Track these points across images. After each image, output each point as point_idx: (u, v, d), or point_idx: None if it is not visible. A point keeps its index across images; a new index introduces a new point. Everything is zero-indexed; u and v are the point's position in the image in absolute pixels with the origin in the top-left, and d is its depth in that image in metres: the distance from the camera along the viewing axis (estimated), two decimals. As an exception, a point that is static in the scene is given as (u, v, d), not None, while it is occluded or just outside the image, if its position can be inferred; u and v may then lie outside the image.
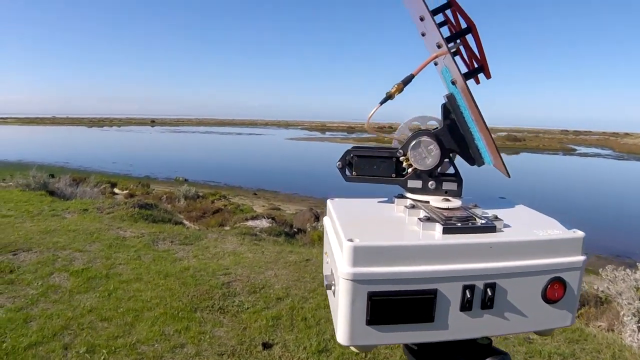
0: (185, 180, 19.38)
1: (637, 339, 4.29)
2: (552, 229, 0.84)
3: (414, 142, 0.96)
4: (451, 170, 1.02)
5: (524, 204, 1.06)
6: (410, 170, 0.99)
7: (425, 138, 0.96)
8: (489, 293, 0.78)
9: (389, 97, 0.99)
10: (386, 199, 1.06)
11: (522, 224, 0.90)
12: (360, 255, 0.76)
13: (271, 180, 22.67)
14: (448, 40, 0.96)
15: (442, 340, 0.82)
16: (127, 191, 15.26)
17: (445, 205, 0.94)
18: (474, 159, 0.97)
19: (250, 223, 10.76)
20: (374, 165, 1.01)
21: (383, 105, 0.97)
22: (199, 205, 14.93)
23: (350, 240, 0.77)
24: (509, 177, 0.95)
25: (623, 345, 3.80)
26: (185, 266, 5.28)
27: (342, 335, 0.78)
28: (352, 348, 0.81)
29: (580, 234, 0.83)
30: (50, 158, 27.76)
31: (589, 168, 36.94)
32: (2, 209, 8.08)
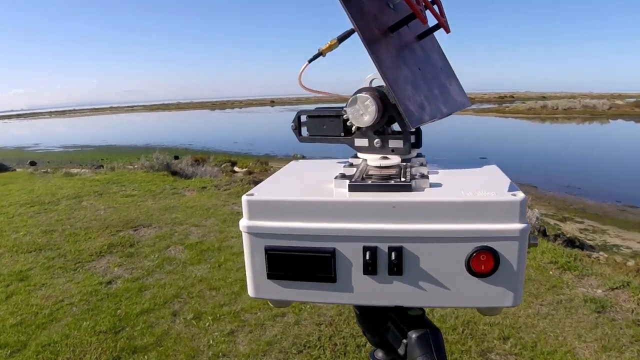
0: (303, 157, 19.57)
1: None
2: (490, 191, 0.71)
3: (350, 99, 0.90)
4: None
5: (498, 165, 0.93)
6: (354, 128, 0.93)
7: (361, 94, 0.88)
8: (394, 258, 0.70)
9: (320, 54, 0.96)
10: (346, 160, 1.00)
11: (459, 185, 0.79)
12: (256, 208, 0.74)
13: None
14: None
15: (347, 303, 0.78)
16: (246, 169, 15.66)
17: (378, 163, 0.88)
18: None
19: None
20: (324, 125, 0.99)
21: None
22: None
23: (250, 194, 0.76)
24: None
25: None
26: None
27: (249, 287, 0.78)
28: (269, 302, 0.81)
29: (519, 197, 0.69)
30: (175, 141, 29.01)
31: None
32: (127, 189, 8.57)
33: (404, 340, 0.78)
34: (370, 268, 0.71)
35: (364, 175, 0.82)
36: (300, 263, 0.73)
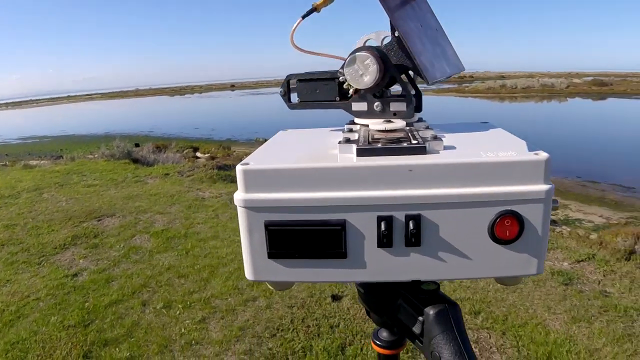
0: (265, 140, 19.25)
1: None
2: (510, 151, 0.66)
3: (348, 59, 0.81)
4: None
5: (504, 128, 0.87)
6: (352, 91, 0.85)
7: (360, 53, 0.80)
8: (412, 227, 0.63)
9: (314, 9, 0.87)
10: (341, 128, 0.91)
11: (473, 145, 0.73)
12: (253, 179, 0.66)
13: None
14: None
15: (359, 281, 0.73)
16: (208, 154, 15.51)
17: (383, 127, 0.81)
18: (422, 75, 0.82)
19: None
20: (317, 89, 0.90)
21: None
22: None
23: (245, 163, 0.68)
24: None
25: None
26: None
27: (246, 269, 0.70)
28: (268, 285, 0.73)
29: (542, 156, 0.64)
30: (135, 128, 28.51)
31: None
32: (89, 178, 8.43)
33: (420, 318, 0.73)
34: (385, 240, 0.65)
35: (370, 140, 0.75)
36: (305, 238, 0.66)
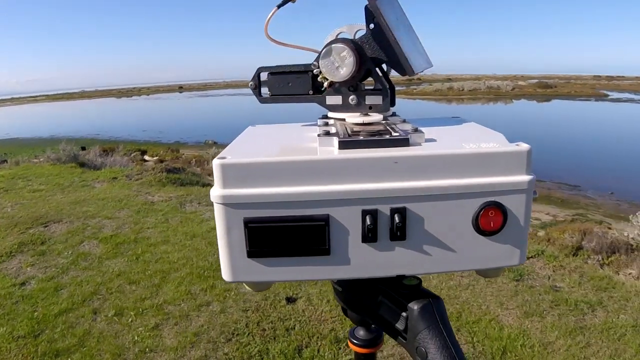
0: (215, 143, 19.11)
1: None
2: (490, 143, 0.66)
3: (324, 50, 0.79)
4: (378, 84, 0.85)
5: (477, 122, 0.87)
6: (326, 84, 0.82)
7: (336, 44, 0.78)
8: (398, 220, 0.62)
9: None
10: (313, 122, 0.90)
11: (454, 138, 0.72)
12: (232, 174, 0.63)
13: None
14: None
15: (343, 278, 0.70)
16: (157, 157, 15.34)
17: (361, 120, 0.80)
18: (403, 67, 0.80)
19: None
20: (289, 82, 0.87)
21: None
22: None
23: (222, 157, 0.65)
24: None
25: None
26: (212, 226, 5.25)
27: (224, 270, 0.67)
28: (245, 286, 0.71)
29: (524, 147, 0.64)
30: (81, 131, 28.04)
31: (622, 113, 35.46)
32: (34, 183, 8.20)
33: (403, 314, 0.70)
34: (370, 234, 0.63)
35: (349, 133, 0.73)
36: (287, 235, 0.64)
